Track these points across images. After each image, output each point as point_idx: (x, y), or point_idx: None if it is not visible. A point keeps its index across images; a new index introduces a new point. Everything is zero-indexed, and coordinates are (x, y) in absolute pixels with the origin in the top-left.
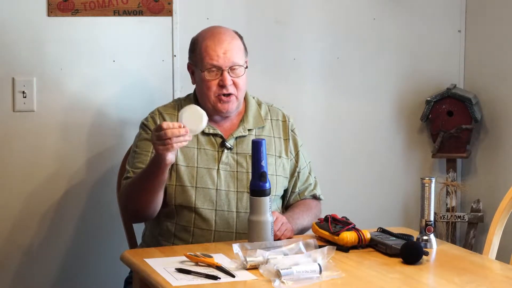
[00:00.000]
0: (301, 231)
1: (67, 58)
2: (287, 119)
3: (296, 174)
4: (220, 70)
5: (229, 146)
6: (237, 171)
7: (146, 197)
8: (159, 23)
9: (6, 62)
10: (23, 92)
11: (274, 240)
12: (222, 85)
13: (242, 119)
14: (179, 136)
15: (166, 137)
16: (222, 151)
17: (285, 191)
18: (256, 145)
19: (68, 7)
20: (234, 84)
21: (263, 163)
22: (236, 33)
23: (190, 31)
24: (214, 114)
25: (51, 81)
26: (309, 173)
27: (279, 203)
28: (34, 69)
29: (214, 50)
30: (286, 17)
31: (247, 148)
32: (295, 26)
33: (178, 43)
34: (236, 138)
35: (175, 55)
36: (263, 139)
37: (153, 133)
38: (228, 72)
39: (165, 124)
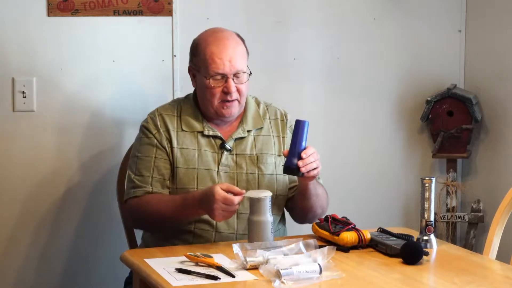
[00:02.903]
0: (316, 197)
1: (67, 58)
2: (285, 118)
3: None
4: (224, 77)
5: (229, 147)
6: (236, 173)
7: (167, 224)
8: (159, 23)
9: (6, 62)
10: (23, 92)
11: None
12: (226, 92)
13: (241, 121)
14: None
15: (230, 203)
16: (222, 152)
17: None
18: (299, 125)
19: (68, 7)
20: (238, 90)
21: (304, 144)
22: (238, 36)
23: (190, 31)
24: (215, 117)
25: (51, 81)
26: None
27: (281, 204)
28: (34, 69)
29: (219, 57)
30: (286, 17)
31: (246, 149)
32: (295, 26)
33: (178, 43)
34: (236, 139)
35: (175, 55)
36: (307, 121)
37: (219, 203)
38: (233, 79)
39: (236, 200)
